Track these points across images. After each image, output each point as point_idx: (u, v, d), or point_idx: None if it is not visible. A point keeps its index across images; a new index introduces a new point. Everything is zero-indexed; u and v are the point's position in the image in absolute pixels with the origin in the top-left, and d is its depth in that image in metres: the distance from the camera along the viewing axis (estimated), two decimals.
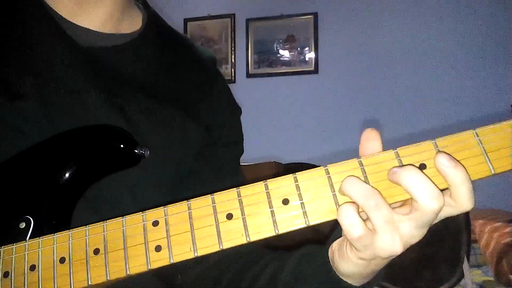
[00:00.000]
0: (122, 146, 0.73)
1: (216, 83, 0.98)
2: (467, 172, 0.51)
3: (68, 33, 0.82)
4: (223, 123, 0.96)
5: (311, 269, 0.66)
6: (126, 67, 0.85)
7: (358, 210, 0.53)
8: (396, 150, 0.54)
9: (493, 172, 0.52)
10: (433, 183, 0.51)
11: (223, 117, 0.96)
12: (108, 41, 0.85)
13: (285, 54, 3.76)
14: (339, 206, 0.54)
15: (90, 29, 0.84)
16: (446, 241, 1.89)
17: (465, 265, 1.90)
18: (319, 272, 0.64)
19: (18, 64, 0.78)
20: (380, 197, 0.52)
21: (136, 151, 0.74)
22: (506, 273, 2.29)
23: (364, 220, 0.53)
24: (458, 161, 0.51)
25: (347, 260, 0.58)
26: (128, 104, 0.82)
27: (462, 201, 0.51)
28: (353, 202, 0.53)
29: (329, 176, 0.55)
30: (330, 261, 0.62)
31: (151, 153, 0.80)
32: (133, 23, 0.91)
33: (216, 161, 0.94)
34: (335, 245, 0.61)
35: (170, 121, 0.86)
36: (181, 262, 0.57)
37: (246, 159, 1.04)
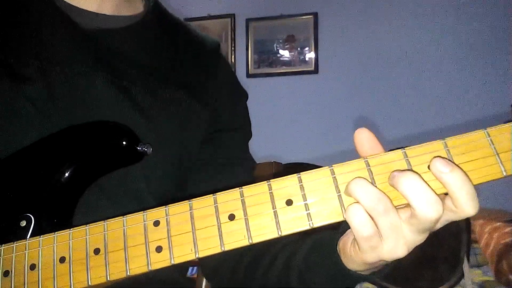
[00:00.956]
0: (124, 143, 0.73)
1: (220, 68, 0.98)
2: (467, 176, 0.50)
3: (70, 16, 0.82)
4: (229, 107, 0.96)
5: (320, 259, 0.66)
6: (130, 49, 0.85)
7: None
8: (404, 150, 0.53)
9: (504, 174, 0.50)
10: (432, 190, 0.50)
11: (228, 101, 0.96)
12: (111, 23, 0.85)
13: (285, 54, 3.75)
14: (345, 207, 0.53)
15: (92, 11, 0.84)
16: (446, 241, 1.88)
17: (465, 265, 1.90)
18: (329, 262, 0.63)
19: (22, 48, 0.78)
20: (389, 202, 0.51)
21: (138, 148, 0.73)
22: (506, 273, 2.29)
23: None
24: (456, 164, 0.50)
25: (350, 260, 0.58)
26: (134, 86, 0.82)
27: (463, 206, 0.49)
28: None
29: (335, 177, 0.54)
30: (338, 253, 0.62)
31: (158, 137, 0.80)
32: (133, 7, 0.91)
33: (224, 146, 0.95)
34: (340, 243, 0.61)
35: (176, 103, 0.87)
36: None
37: None
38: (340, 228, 0.63)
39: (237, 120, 0.98)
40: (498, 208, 2.86)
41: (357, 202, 0.52)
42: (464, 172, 0.50)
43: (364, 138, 0.55)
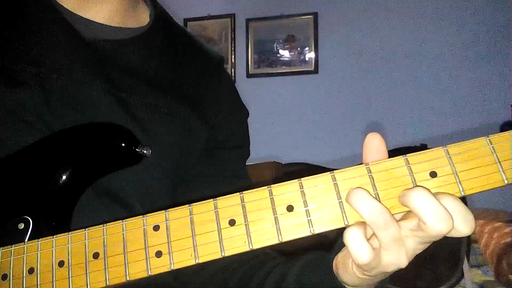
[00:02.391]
0: (123, 145, 0.72)
1: (222, 84, 0.97)
2: (459, 200, 0.50)
3: (73, 25, 0.81)
4: (229, 125, 0.95)
5: (315, 278, 0.65)
6: (132, 61, 0.85)
7: (365, 233, 0.51)
8: (406, 157, 0.53)
9: (506, 182, 0.50)
10: (442, 206, 0.49)
11: (229, 119, 0.95)
12: (114, 34, 0.85)
13: (285, 54, 3.75)
14: (346, 214, 0.53)
15: (96, 22, 0.84)
16: (446, 241, 1.88)
17: (465, 265, 1.90)
18: (323, 282, 0.62)
19: (20, 54, 0.78)
20: (389, 216, 0.50)
21: (138, 150, 0.73)
22: (506, 273, 2.29)
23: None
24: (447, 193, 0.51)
25: (351, 274, 0.57)
26: (132, 98, 0.81)
27: (459, 228, 0.50)
28: (361, 223, 0.52)
29: (336, 183, 0.53)
30: (334, 271, 0.61)
31: (154, 148, 0.80)
32: (140, 18, 0.91)
33: (221, 163, 0.93)
34: (340, 257, 0.60)
35: (174, 117, 0.86)
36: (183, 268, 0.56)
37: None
38: (336, 244, 0.62)
39: (236, 138, 0.97)
40: (498, 208, 2.86)
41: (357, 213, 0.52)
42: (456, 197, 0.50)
43: (374, 144, 0.54)
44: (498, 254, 2.37)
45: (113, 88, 0.80)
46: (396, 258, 0.51)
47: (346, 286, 0.60)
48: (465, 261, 1.91)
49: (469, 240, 1.95)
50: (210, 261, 0.86)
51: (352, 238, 0.51)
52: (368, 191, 0.51)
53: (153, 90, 0.84)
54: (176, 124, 0.86)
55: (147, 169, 0.81)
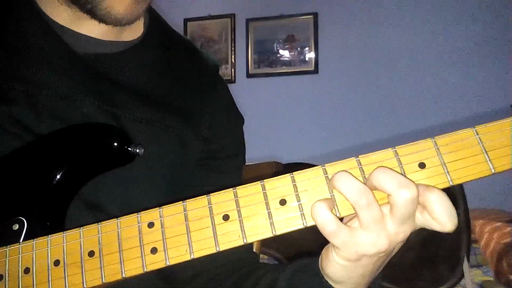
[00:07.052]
0: (115, 144, 0.72)
1: (218, 92, 0.95)
2: (444, 194, 0.51)
3: (64, 39, 0.80)
4: (223, 135, 0.94)
5: (304, 280, 0.65)
6: (124, 74, 0.83)
7: (331, 208, 0.53)
8: (395, 149, 0.54)
9: (493, 171, 0.51)
10: (402, 175, 0.52)
11: (223, 129, 0.94)
12: (106, 48, 0.84)
13: (285, 54, 3.75)
14: (338, 207, 0.53)
15: (88, 36, 0.82)
16: (446, 241, 1.88)
17: (465, 265, 1.89)
18: (313, 282, 0.63)
19: (7, 71, 0.77)
20: (371, 196, 0.52)
21: (130, 149, 0.72)
22: (506, 273, 2.28)
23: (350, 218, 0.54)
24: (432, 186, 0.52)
25: (332, 261, 0.57)
26: (124, 113, 0.80)
27: (441, 221, 0.52)
28: (327, 199, 0.53)
29: (327, 176, 0.54)
30: (321, 270, 0.61)
31: (146, 164, 0.79)
32: (135, 29, 0.89)
33: (215, 174, 0.93)
34: (323, 250, 0.60)
35: (167, 132, 0.84)
36: (177, 264, 0.56)
37: (246, 159, 1.02)
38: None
39: (230, 147, 0.96)
40: (498, 208, 2.85)
41: (341, 195, 0.53)
42: (442, 190, 0.52)
43: None
44: (498, 254, 2.37)
45: (105, 103, 0.79)
46: (376, 240, 0.53)
47: (334, 285, 0.60)
48: (465, 261, 1.90)
49: (469, 240, 1.95)
50: (204, 267, 0.86)
51: (316, 210, 0.52)
52: (351, 174, 0.53)
53: (146, 104, 0.83)
54: (170, 139, 0.85)
55: (139, 184, 0.81)
